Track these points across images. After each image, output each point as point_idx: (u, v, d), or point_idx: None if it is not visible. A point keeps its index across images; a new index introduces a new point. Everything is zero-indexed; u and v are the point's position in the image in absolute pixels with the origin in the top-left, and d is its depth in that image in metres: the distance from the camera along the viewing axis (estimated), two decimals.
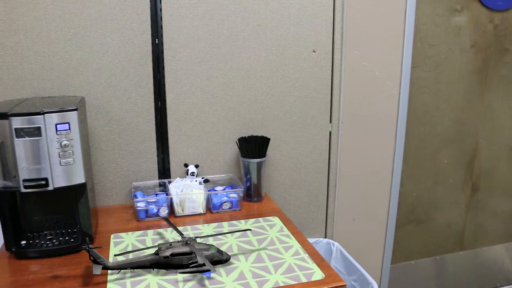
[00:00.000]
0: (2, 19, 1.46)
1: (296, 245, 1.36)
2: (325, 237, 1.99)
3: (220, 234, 1.38)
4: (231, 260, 1.27)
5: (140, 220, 1.54)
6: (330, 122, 1.85)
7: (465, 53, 2.10)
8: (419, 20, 1.95)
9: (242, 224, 1.51)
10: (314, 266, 1.24)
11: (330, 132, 1.87)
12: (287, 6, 1.69)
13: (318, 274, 1.20)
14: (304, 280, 1.17)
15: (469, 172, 2.30)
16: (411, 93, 2.02)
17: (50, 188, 1.25)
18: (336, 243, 1.91)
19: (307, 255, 1.30)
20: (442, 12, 2.00)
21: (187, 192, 1.56)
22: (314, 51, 1.76)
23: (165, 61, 1.61)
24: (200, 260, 1.18)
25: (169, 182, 1.64)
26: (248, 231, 1.45)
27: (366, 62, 1.86)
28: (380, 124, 1.96)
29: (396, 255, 2.27)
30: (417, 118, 2.11)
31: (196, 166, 1.68)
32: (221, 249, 1.30)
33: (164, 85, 1.63)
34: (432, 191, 2.27)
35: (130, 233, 1.45)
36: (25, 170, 1.22)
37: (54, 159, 1.24)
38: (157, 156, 1.68)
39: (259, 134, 1.74)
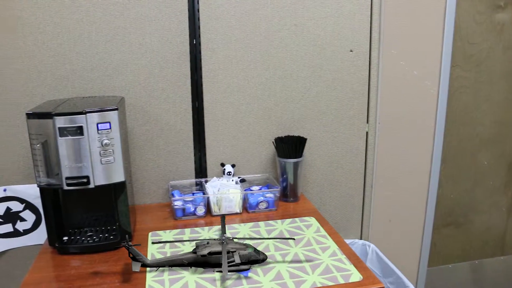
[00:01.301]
0: (47, 21, 1.50)
1: (333, 246, 1.35)
2: (361, 239, 1.97)
3: (262, 238, 1.38)
4: (268, 259, 1.27)
5: (177, 218, 1.56)
6: (367, 122, 1.83)
7: (508, 51, 2.04)
8: (459, 18, 1.91)
9: (278, 224, 1.51)
10: (351, 267, 1.23)
11: (367, 133, 1.84)
12: (324, 6, 1.68)
13: (356, 276, 1.19)
14: (341, 281, 1.16)
15: (511, 173, 2.24)
16: (450, 93, 1.98)
17: (91, 186, 1.28)
18: (372, 245, 1.89)
19: (344, 256, 1.29)
20: (484, 9, 1.95)
21: (224, 191, 1.57)
22: (351, 51, 1.74)
23: (202, 61, 1.62)
24: (237, 259, 1.19)
25: (206, 182, 1.66)
26: (281, 227, 1.45)
27: (404, 61, 1.83)
28: (418, 124, 1.92)
29: (433, 258, 2.22)
30: (456, 118, 2.06)
31: (233, 166, 1.69)
32: (257, 248, 1.30)
33: (201, 85, 1.64)
34: (472, 193, 2.21)
35: (167, 231, 1.47)
36: (67, 168, 1.26)
37: (95, 158, 1.26)
38: (194, 155, 1.70)
39: (296, 134, 1.74)
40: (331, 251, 1.32)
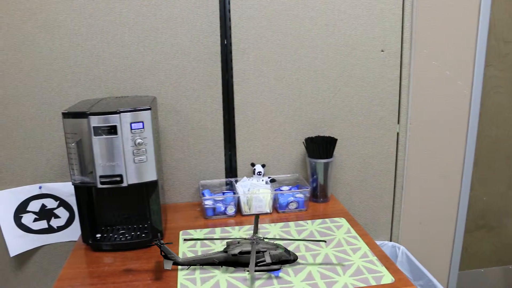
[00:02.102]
0: (82, 23, 1.53)
1: (364, 247, 1.34)
2: (390, 240, 1.95)
3: (294, 239, 1.38)
4: (299, 260, 1.27)
5: (207, 218, 1.57)
6: (398, 123, 1.81)
7: None
8: (494, 16, 1.87)
9: (308, 224, 1.50)
10: (383, 269, 1.22)
11: (397, 133, 1.82)
12: (355, 6, 1.66)
13: (387, 278, 1.18)
14: (373, 283, 1.15)
15: None
16: (484, 93, 1.94)
17: (124, 184, 1.30)
18: (401, 247, 1.87)
19: (375, 257, 1.28)
20: None
21: (254, 191, 1.57)
22: (382, 51, 1.73)
23: (233, 61, 1.63)
24: (267, 259, 1.19)
25: (236, 181, 1.67)
26: (311, 228, 1.44)
27: (436, 61, 1.80)
28: (450, 125, 1.89)
29: (464, 262, 2.18)
30: (490, 119, 2.02)
31: (263, 166, 1.69)
32: (288, 249, 1.30)
33: (232, 85, 1.65)
34: (505, 196, 2.17)
35: (198, 230, 1.48)
36: (101, 167, 1.28)
37: (128, 157, 1.28)
38: (225, 155, 1.71)
39: (326, 135, 1.73)
40: (362, 252, 1.31)
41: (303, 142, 1.73)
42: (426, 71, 1.80)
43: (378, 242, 1.88)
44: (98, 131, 1.25)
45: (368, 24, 1.69)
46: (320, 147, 1.65)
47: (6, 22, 1.50)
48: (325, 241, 1.39)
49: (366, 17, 1.69)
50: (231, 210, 1.57)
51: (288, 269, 1.23)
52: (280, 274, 1.20)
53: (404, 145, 1.84)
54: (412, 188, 1.92)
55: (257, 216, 1.44)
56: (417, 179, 1.92)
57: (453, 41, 1.79)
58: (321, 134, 1.74)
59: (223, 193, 1.62)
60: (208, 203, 1.56)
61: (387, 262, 1.26)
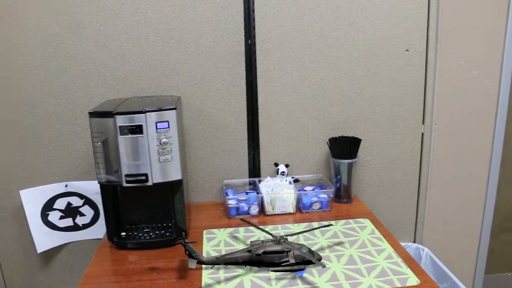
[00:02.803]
0: (108, 23, 1.55)
1: (389, 249, 1.33)
2: (414, 242, 1.93)
3: (310, 230, 1.38)
4: (322, 260, 1.26)
5: (231, 217, 1.57)
6: (423, 123, 1.79)
7: None
8: None
9: (332, 225, 1.49)
10: (408, 271, 1.21)
11: (422, 134, 1.80)
12: (380, 4, 1.65)
13: (413, 280, 1.16)
14: (398, 284, 1.14)
15: None
16: None
17: (150, 183, 1.31)
18: (425, 249, 1.85)
19: (400, 259, 1.27)
20: None
21: (278, 191, 1.57)
22: (407, 50, 1.71)
23: (257, 61, 1.63)
24: (291, 259, 1.19)
25: (259, 181, 1.67)
26: (332, 226, 1.43)
27: (462, 60, 1.77)
28: (476, 125, 1.86)
29: (490, 265, 2.14)
30: None
31: (286, 166, 1.69)
32: (312, 249, 1.29)
33: (256, 85, 1.65)
34: None
35: (222, 229, 1.49)
36: (127, 166, 1.29)
37: (154, 156, 1.29)
38: (248, 155, 1.71)
39: (350, 135, 1.72)
40: (386, 253, 1.30)
41: (326, 142, 1.72)
42: (452, 71, 1.77)
43: (401, 244, 1.86)
44: (124, 130, 1.26)
45: (393, 23, 1.67)
46: (344, 147, 1.64)
47: (34, 23, 1.53)
48: (332, 224, 1.41)
49: (391, 16, 1.67)
50: (254, 209, 1.57)
51: (312, 269, 1.22)
52: (304, 274, 1.20)
53: (429, 145, 1.82)
54: (437, 189, 1.89)
55: (246, 220, 1.47)
56: (441, 180, 1.89)
57: (480, 40, 1.76)
58: (345, 134, 1.73)
59: (247, 193, 1.62)
60: (232, 202, 1.56)
61: (412, 263, 1.25)
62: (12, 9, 1.52)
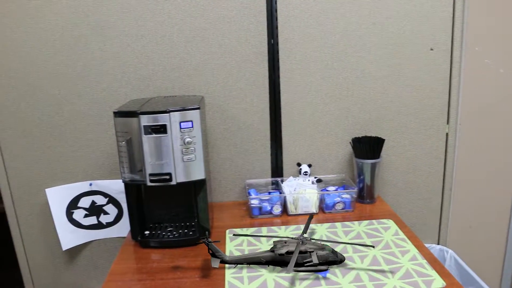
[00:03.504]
0: (131, 24, 1.57)
1: (413, 250, 1.31)
2: (438, 244, 1.90)
3: (341, 243, 1.37)
4: (346, 261, 1.25)
5: (253, 217, 1.58)
6: (447, 123, 1.76)
7: None
8: None
9: (355, 225, 1.48)
10: (433, 273, 1.19)
11: (447, 134, 1.78)
12: (404, 3, 1.63)
13: (438, 282, 1.14)
14: (423, 287, 1.12)
15: None
16: None
17: (173, 183, 1.32)
18: (450, 251, 1.82)
19: (425, 261, 1.25)
20: None
21: (301, 191, 1.57)
22: (431, 49, 1.68)
23: (280, 60, 1.63)
24: (314, 260, 1.18)
25: (282, 181, 1.67)
26: (359, 229, 1.43)
27: (488, 59, 1.74)
28: (502, 125, 1.82)
29: None
30: None
31: (309, 166, 1.68)
32: (335, 249, 1.29)
33: (279, 84, 1.65)
34: None
35: (244, 229, 1.49)
36: (150, 165, 1.30)
37: (177, 156, 1.30)
38: (271, 154, 1.71)
39: (373, 135, 1.71)
40: (411, 255, 1.29)
41: (350, 142, 1.71)
42: (478, 70, 1.75)
43: (425, 245, 1.84)
44: (148, 130, 1.27)
45: (417, 22, 1.65)
46: (367, 147, 1.63)
47: (61, 25, 1.55)
48: (373, 247, 1.37)
49: (415, 15, 1.65)
50: (277, 209, 1.57)
51: (335, 270, 1.21)
52: (328, 275, 1.19)
53: (453, 146, 1.79)
54: (462, 190, 1.87)
55: (310, 216, 1.43)
56: (466, 181, 1.86)
57: (507, 38, 1.73)
58: (368, 134, 1.71)
59: (269, 193, 1.62)
60: (254, 202, 1.56)
61: (438, 265, 1.23)
62: (42, 12, 1.55)
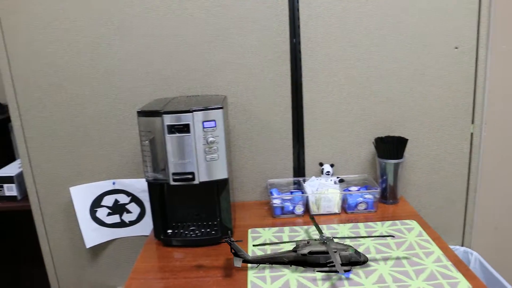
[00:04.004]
0: (154, 25, 1.58)
1: (438, 252, 1.30)
2: (462, 245, 1.87)
3: (360, 237, 1.37)
4: (369, 262, 1.24)
5: (275, 216, 1.57)
6: (472, 123, 1.74)
7: None
8: None
9: (378, 226, 1.47)
10: (458, 275, 1.17)
11: (471, 134, 1.75)
12: (427, 1, 1.61)
13: (463, 285, 1.13)
14: None
15: None
16: None
17: (196, 182, 1.32)
18: (474, 253, 1.79)
19: (450, 262, 1.23)
20: None
21: (323, 191, 1.56)
22: (456, 48, 1.66)
23: (302, 60, 1.62)
24: (337, 260, 1.18)
25: (304, 181, 1.66)
26: (382, 230, 1.41)
27: None
28: None
29: None
30: None
31: (332, 165, 1.67)
32: (358, 250, 1.28)
33: (301, 84, 1.64)
34: None
35: (266, 228, 1.49)
36: (174, 164, 1.31)
37: (200, 155, 1.31)
38: (293, 154, 1.71)
39: (395, 135, 1.69)
40: (435, 256, 1.27)
41: (372, 142, 1.70)
42: (504, 68, 1.71)
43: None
44: (171, 129, 1.28)
45: (441, 20, 1.63)
46: (390, 147, 1.61)
47: (85, 25, 1.57)
48: (393, 236, 1.37)
49: (439, 13, 1.62)
50: (299, 209, 1.56)
51: (358, 270, 1.21)
52: (351, 275, 1.18)
53: (478, 146, 1.76)
54: (487, 191, 1.84)
55: (311, 216, 1.44)
56: (492, 182, 1.83)
57: None
58: (391, 134, 1.70)
59: (291, 192, 1.62)
60: (277, 202, 1.56)
61: (463, 267, 1.21)
62: (66, 13, 1.57)
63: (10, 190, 1.84)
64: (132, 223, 1.78)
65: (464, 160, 1.77)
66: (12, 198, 1.85)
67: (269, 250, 1.34)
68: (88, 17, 1.57)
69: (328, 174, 1.66)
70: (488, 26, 1.65)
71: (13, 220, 2.23)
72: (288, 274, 1.20)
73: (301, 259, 1.22)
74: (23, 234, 2.18)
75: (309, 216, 1.48)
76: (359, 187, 1.66)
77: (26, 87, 1.63)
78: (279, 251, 1.27)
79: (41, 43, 1.60)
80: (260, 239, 1.42)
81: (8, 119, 2.04)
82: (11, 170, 1.89)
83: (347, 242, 1.35)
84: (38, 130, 1.67)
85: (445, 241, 1.38)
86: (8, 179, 1.84)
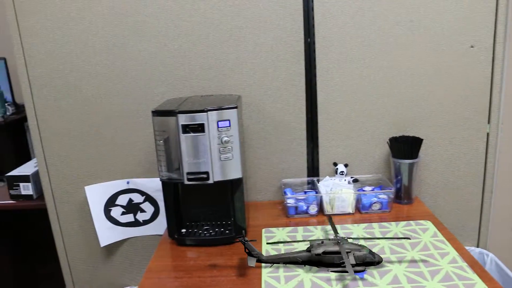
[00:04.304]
0: (168, 25, 1.58)
1: (453, 252, 1.28)
2: (477, 246, 1.86)
3: (375, 238, 1.36)
4: (384, 262, 1.24)
5: (289, 216, 1.57)
6: (488, 122, 1.72)
7: None
8: None
9: (392, 226, 1.46)
10: (474, 276, 1.16)
11: (487, 134, 1.73)
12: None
13: (480, 286, 1.11)
14: None
15: None
16: None
17: (210, 181, 1.33)
18: (490, 254, 1.77)
19: (465, 264, 1.22)
20: None
21: (337, 191, 1.55)
22: (472, 46, 1.64)
23: (316, 59, 1.62)
24: (351, 260, 1.17)
25: (318, 180, 1.66)
26: (396, 230, 1.41)
27: None
28: None
29: None
30: None
31: (346, 165, 1.67)
32: (372, 250, 1.27)
33: (315, 83, 1.64)
34: None
35: (280, 228, 1.49)
36: (188, 164, 1.32)
37: (215, 154, 1.31)
38: (307, 154, 1.70)
39: (410, 134, 1.68)
40: (450, 257, 1.26)
41: (387, 142, 1.69)
42: None
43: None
44: (186, 129, 1.28)
45: (457, 19, 1.61)
46: (405, 147, 1.60)
47: (101, 26, 1.58)
48: (409, 238, 1.37)
49: (455, 11, 1.61)
50: (313, 209, 1.56)
51: (373, 271, 1.20)
52: (365, 276, 1.18)
53: (495, 146, 1.75)
54: (503, 192, 1.82)
55: (329, 217, 1.44)
56: (508, 182, 1.81)
57: None
58: (405, 134, 1.69)
59: (305, 192, 1.62)
60: (290, 201, 1.56)
61: (479, 269, 1.20)
62: (82, 13, 1.58)
63: (26, 189, 1.87)
64: (146, 222, 1.79)
65: (480, 160, 1.75)
66: (28, 197, 1.87)
67: (283, 249, 1.34)
68: (103, 17, 1.58)
69: (342, 174, 1.65)
70: (506, 24, 1.62)
71: (29, 218, 2.25)
72: (302, 274, 1.20)
73: (315, 259, 1.21)
74: (39, 232, 2.20)
75: (327, 218, 1.47)
76: (373, 187, 1.65)
77: (42, 87, 1.65)
78: (293, 250, 1.26)
79: (57, 43, 1.61)
80: (274, 238, 1.42)
81: (24, 119, 2.06)
82: (27, 169, 1.91)
83: (362, 242, 1.34)
84: (54, 130, 1.69)
85: (460, 242, 1.37)
86: (24, 178, 1.86)
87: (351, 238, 1.31)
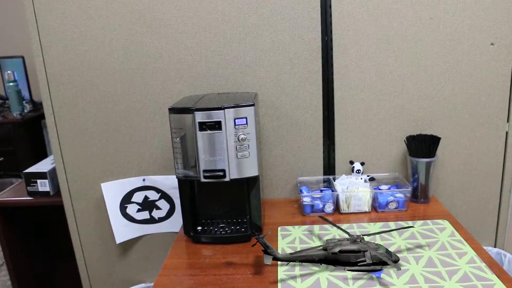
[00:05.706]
0: (186, 22, 1.58)
1: (471, 252, 1.27)
2: (495, 247, 1.83)
3: (386, 231, 1.35)
4: (400, 261, 1.23)
5: (305, 214, 1.57)
6: (507, 121, 1.69)
7: None
8: None
9: (409, 225, 1.45)
10: (493, 277, 1.14)
11: (506, 132, 1.71)
12: None
13: (499, 287, 1.10)
14: None
15: None
16: None
17: (227, 179, 1.33)
18: (508, 254, 1.75)
19: (484, 264, 1.21)
20: None
21: (353, 189, 1.54)
22: (492, 44, 1.62)
23: (333, 57, 1.61)
24: (368, 259, 1.17)
25: (334, 179, 1.65)
26: (412, 229, 1.39)
27: None
28: None
29: None
30: None
31: (362, 164, 1.66)
32: (389, 249, 1.26)
33: (332, 81, 1.63)
34: None
35: (296, 226, 1.48)
36: (204, 161, 1.32)
37: (231, 152, 1.31)
38: (323, 152, 1.69)
39: (428, 133, 1.66)
40: (468, 257, 1.24)
41: (404, 140, 1.67)
42: None
43: None
44: (203, 126, 1.29)
45: (476, 16, 1.60)
46: (422, 145, 1.58)
47: (118, 23, 1.59)
48: (412, 226, 1.38)
49: (474, 9, 1.59)
50: (329, 207, 1.55)
51: (390, 270, 1.19)
52: (382, 275, 1.17)
53: None
54: None
55: (324, 218, 1.45)
56: None
57: None
58: (423, 133, 1.67)
59: (321, 191, 1.61)
60: (306, 200, 1.55)
61: (498, 269, 1.18)
62: (99, 11, 1.59)
63: (43, 185, 1.88)
64: (161, 219, 1.79)
65: (498, 159, 1.73)
66: (45, 194, 1.89)
67: (299, 247, 1.33)
68: (120, 15, 1.59)
69: (359, 173, 1.64)
70: None
71: (46, 215, 2.27)
72: (318, 272, 1.20)
73: (331, 258, 1.21)
74: (55, 229, 2.22)
75: (321, 218, 1.47)
76: (389, 185, 1.64)
77: (60, 84, 1.66)
78: (309, 248, 1.26)
79: (75, 41, 1.62)
80: (290, 236, 1.41)
81: (41, 116, 2.08)
82: (44, 166, 1.93)
83: (378, 240, 1.34)
84: (71, 127, 1.70)
85: (477, 241, 1.35)
86: (42, 175, 1.88)
87: (366, 235, 1.30)
